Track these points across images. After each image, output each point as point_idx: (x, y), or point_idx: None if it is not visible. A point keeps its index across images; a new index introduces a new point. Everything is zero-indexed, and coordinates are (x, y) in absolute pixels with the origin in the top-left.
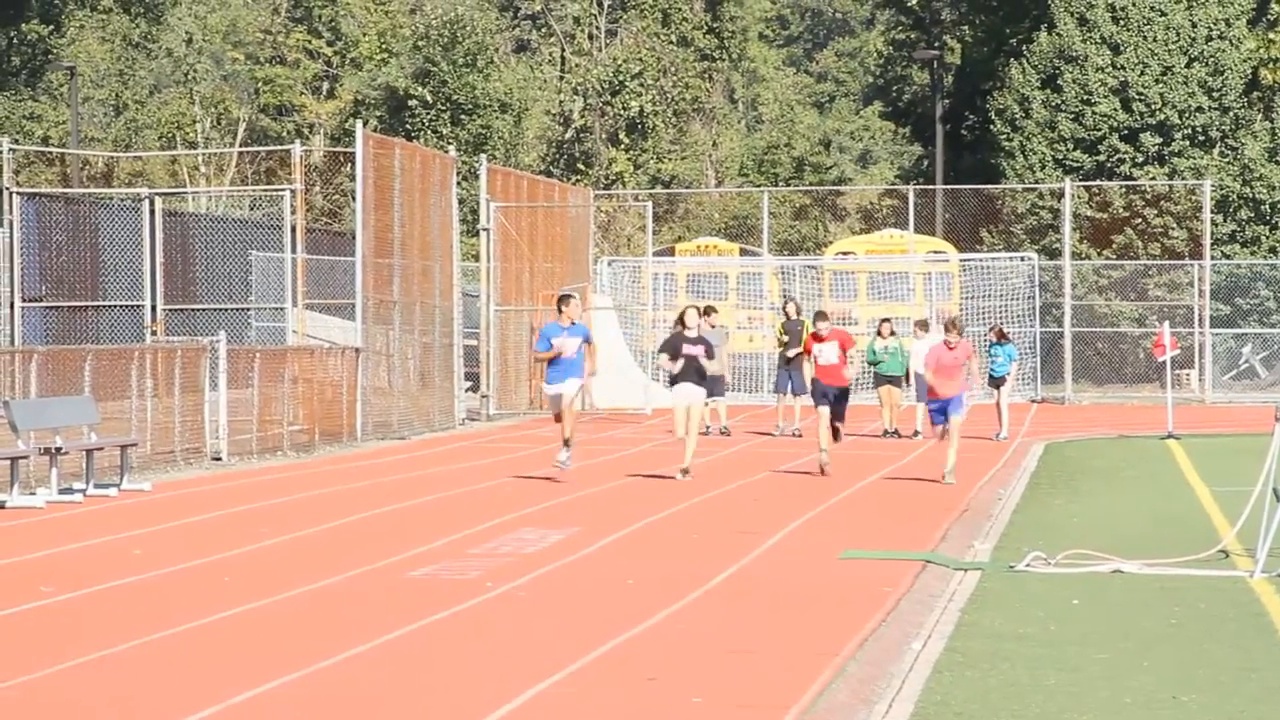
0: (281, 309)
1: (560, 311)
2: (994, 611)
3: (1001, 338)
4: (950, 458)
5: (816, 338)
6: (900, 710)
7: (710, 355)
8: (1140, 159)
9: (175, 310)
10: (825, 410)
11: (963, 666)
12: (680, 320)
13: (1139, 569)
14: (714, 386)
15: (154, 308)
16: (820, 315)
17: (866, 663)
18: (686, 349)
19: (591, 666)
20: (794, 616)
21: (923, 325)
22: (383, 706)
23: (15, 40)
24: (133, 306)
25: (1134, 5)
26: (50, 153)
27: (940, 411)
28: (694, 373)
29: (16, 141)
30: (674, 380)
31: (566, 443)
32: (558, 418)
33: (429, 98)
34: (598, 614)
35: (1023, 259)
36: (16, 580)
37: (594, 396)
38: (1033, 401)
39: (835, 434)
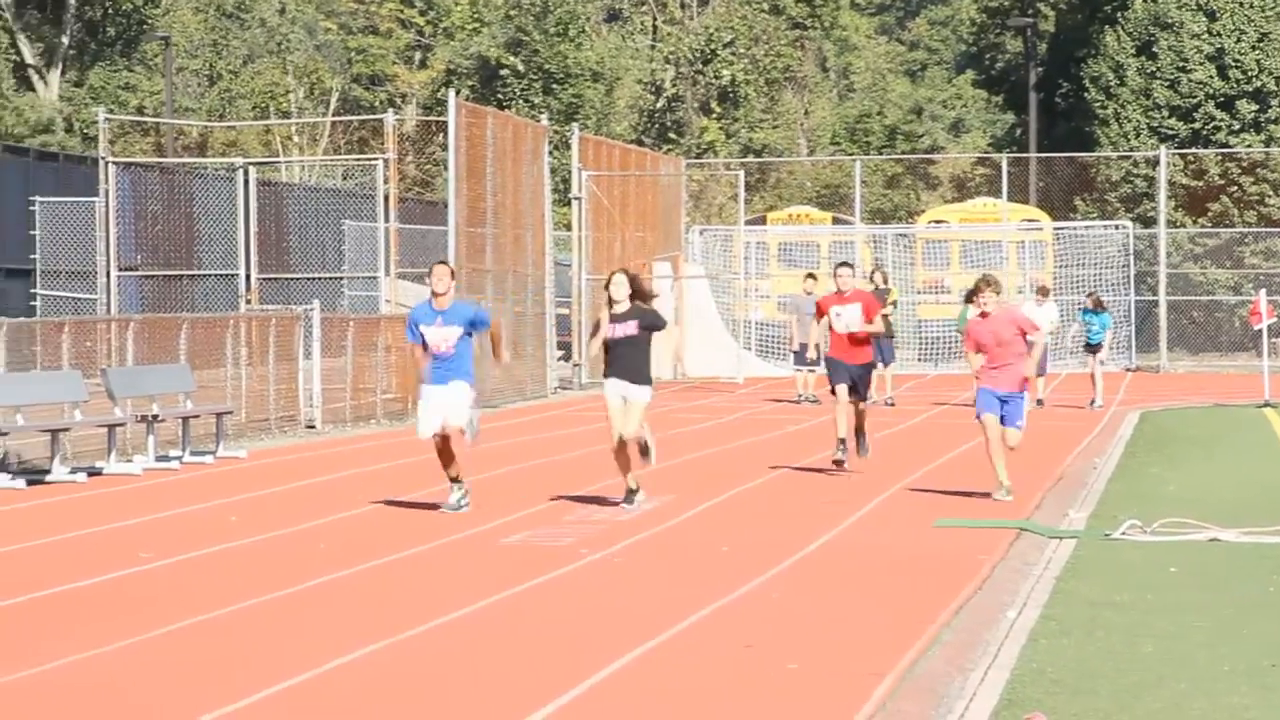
0: (374, 278)
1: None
2: (1090, 580)
3: (1098, 306)
4: (1000, 469)
5: (837, 298)
6: (996, 678)
7: (655, 328)
8: (1236, 126)
9: (269, 279)
10: (844, 389)
11: (1058, 634)
12: (607, 291)
13: (1236, 537)
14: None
15: (248, 277)
16: (843, 264)
17: (961, 630)
18: (613, 330)
19: (687, 633)
20: (888, 584)
21: (1043, 291)
22: (473, 674)
23: (111, 11)
24: (227, 275)
25: None
26: (145, 123)
27: (996, 400)
28: (626, 361)
29: (112, 111)
30: (605, 370)
31: (455, 480)
32: (440, 448)
33: (521, 67)
34: (692, 581)
35: (1117, 227)
36: (115, 546)
37: (686, 365)
38: (1127, 370)
39: (860, 426)
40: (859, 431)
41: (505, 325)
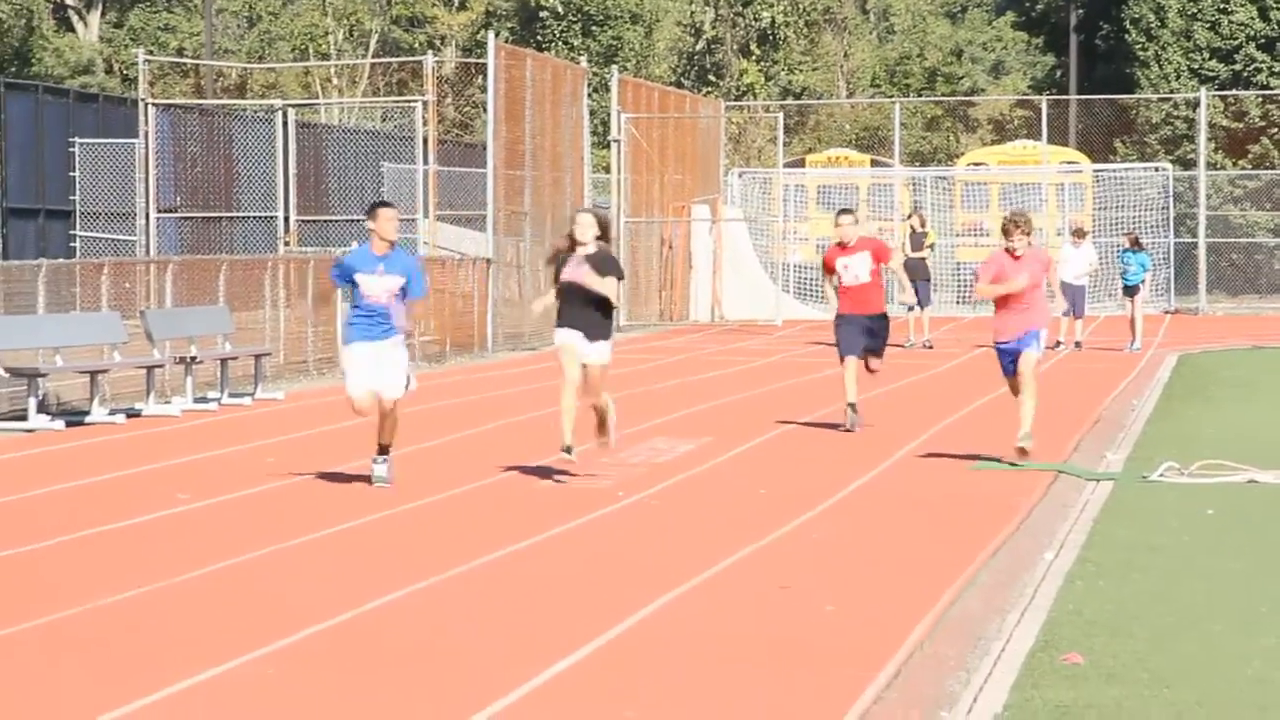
0: (413, 220)
1: (370, 232)
2: (1127, 522)
3: (1135, 245)
4: (1026, 417)
5: (841, 248)
6: (1032, 619)
7: (617, 276)
8: (1278, 68)
9: (308, 221)
10: (853, 359)
11: (1095, 576)
12: (569, 236)
13: (1275, 479)
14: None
15: (287, 219)
16: (844, 212)
17: (999, 572)
18: (569, 273)
19: (724, 574)
20: (925, 527)
21: (1079, 234)
22: (512, 615)
23: None
24: (266, 218)
25: None
26: (185, 64)
27: (1011, 356)
28: (582, 311)
29: (151, 53)
30: (558, 319)
31: (383, 449)
32: (365, 414)
33: (560, 9)
34: (729, 523)
35: (1156, 169)
36: (153, 487)
37: (724, 308)
38: (1166, 313)
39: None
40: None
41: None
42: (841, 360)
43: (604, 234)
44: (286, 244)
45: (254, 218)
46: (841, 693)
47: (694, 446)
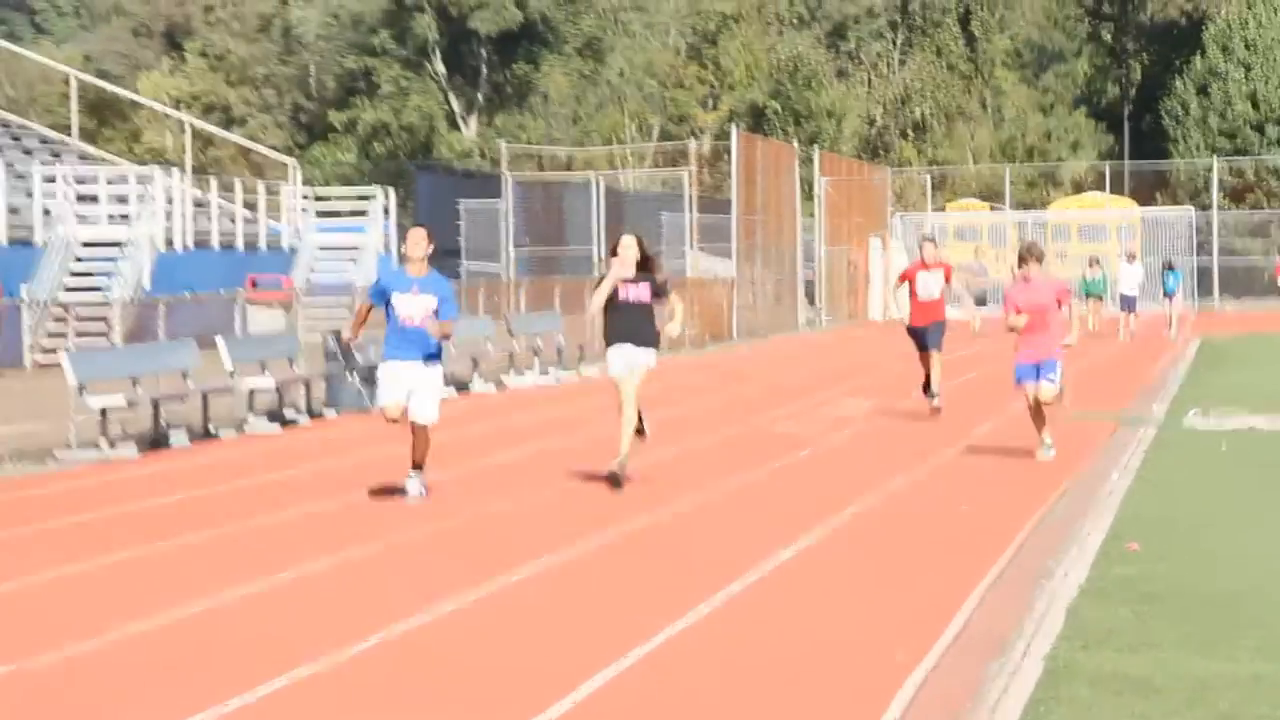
0: (682, 251)
1: (403, 256)
2: (1168, 453)
3: (1169, 266)
4: (1045, 434)
5: (924, 265)
6: (1105, 519)
7: (664, 294)
8: (1266, 142)
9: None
10: (932, 354)
11: (1148, 491)
12: (613, 250)
13: (1266, 424)
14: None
15: (599, 253)
16: (927, 239)
17: (1082, 487)
18: (623, 293)
19: (899, 491)
20: (1032, 459)
21: (1131, 256)
22: (730, 533)
23: (509, 76)
24: (585, 252)
25: (1259, 38)
26: (531, 150)
27: (1027, 372)
28: (634, 325)
29: (510, 143)
30: (608, 337)
31: (417, 465)
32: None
33: (779, 108)
34: (896, 461)
35: (1184, 213)
36: (513, 435)
37: (891, 310)
38: (1192, 311)
39: (928, 377)
40: (928, 383)
41: (770, 282)
42: (920, 355)
43: (644, 257)
44: (598, 270)
45: (577, 252)
46: (971, 571)
47: (872, 404)
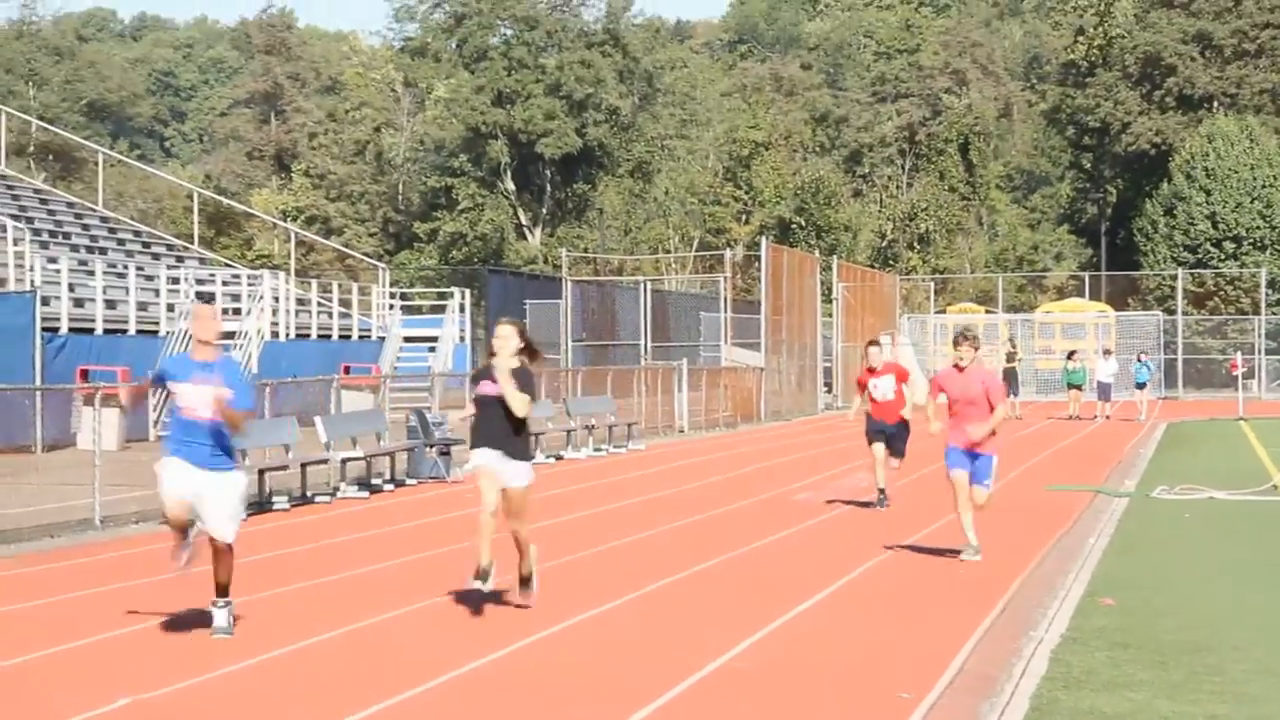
0: (718, 345)
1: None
2: (1138, 520)
3: (1140, 358)
4: (968, 528)
5: (871, 371)
6: (1084, 575)
7: (528, 392)
8: (1223, 256)
9: (658, 346)
10: (880, 447)
11: (1120, 552)
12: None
13: (1225, 495)
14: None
15: (646, 346)
16: (872, 343)
17: (1064, 548)
18: (484, 387)
19: (904, 550)
20: (1021, 524)
21: (1107, 352)
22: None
23: (569, 193)
24: (633, 345)
25: (1218, 167)
26: (588, 256)
27: (964, 462)
28: (499, 427)
29: (569, 251)
30: (473, 439)
31: (220, 589)
32: (178, 526)
33: (803, 223)
34: (901, 525)
35: (1153, 316)
36: (569, 501)
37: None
38: (1159, 399)
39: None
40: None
41: (794, 371)
42: (870, 446)
43: (528, 348)
44: (646, 360)
45: (627, 345)
46: (967, 620)
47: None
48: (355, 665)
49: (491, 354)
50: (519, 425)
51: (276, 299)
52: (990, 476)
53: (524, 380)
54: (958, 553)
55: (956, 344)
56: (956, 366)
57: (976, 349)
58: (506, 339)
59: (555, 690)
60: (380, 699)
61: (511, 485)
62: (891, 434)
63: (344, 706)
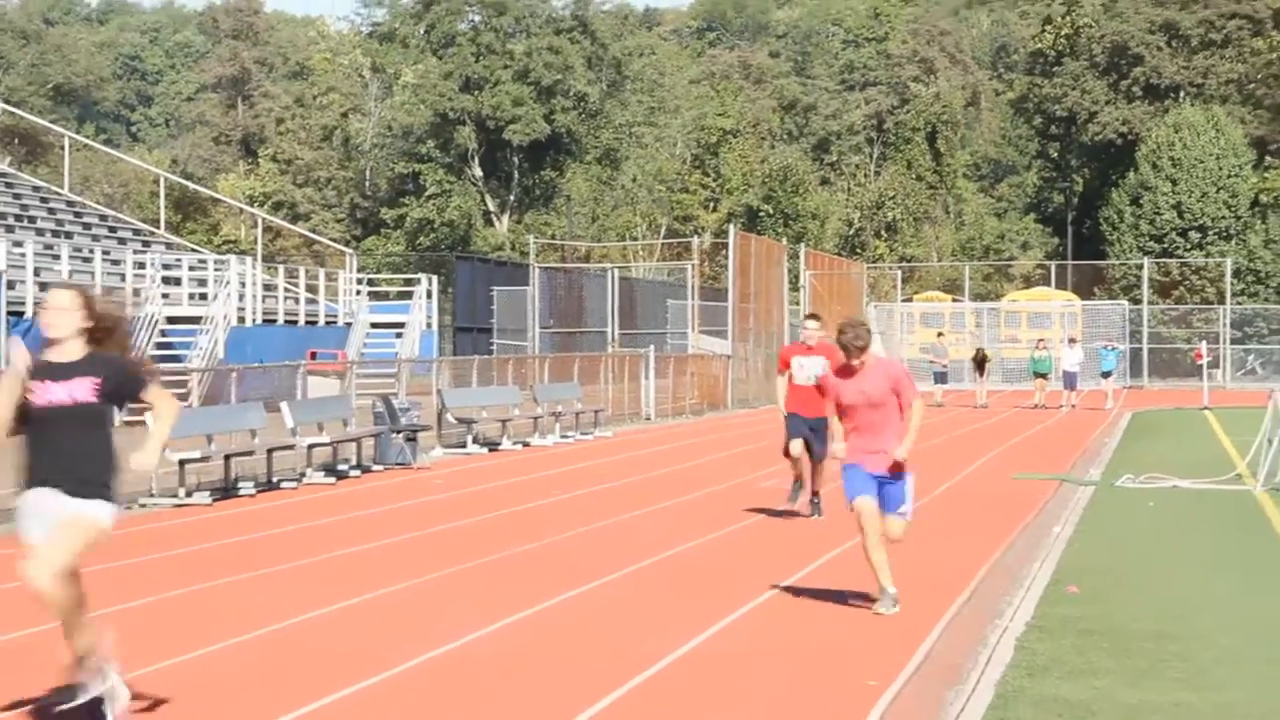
0: (685, 332)
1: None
2: (1104, 508)
3: (1107, 345)
4: (883, 572)
5: (801, 348)
6: (1049, 565)
7: (132, 397)
8: (1188, 245)
9: (625, 333)
10: (798, 444)
11: (1086, 539)
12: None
13: (1187, 485)
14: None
15: (613, 333)
16: (812, 316)
17: (1029, 538)
18: (42, 393)
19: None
20: (988, 511)
21: (1072, 340)
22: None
23: (537, 180)
24: (601, 332)
25: (1184, 157)
26: (556, 243)
27: (868, 486)
28: (62, 454)
29: (536, 238)
30: (24, 474)
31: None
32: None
33: (771, 210)
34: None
35: (1118, 305)
36: (537, 487)
37: None
38: (1125, 388)
39: (815, 484)
40: (814, 491)
41: (760, 359)
42: (786, 451)
43: (99, 325)
44: (613, 347)
45: (594, 332)
46: (932, 608)
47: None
48: (312, 654)
49: (49, 342)
50: (97, 448)
51: (243, 284)
52: (908, 501)
53: (119, 378)
54: (866, 597)
55: (843, 343)
56: (845, 368)
57: (865, 345)
58: (59, 311)
59: (522, 676)
60: (337, 689)
61: (74, 522)
62: (812, 428)
63: (296, 697)
